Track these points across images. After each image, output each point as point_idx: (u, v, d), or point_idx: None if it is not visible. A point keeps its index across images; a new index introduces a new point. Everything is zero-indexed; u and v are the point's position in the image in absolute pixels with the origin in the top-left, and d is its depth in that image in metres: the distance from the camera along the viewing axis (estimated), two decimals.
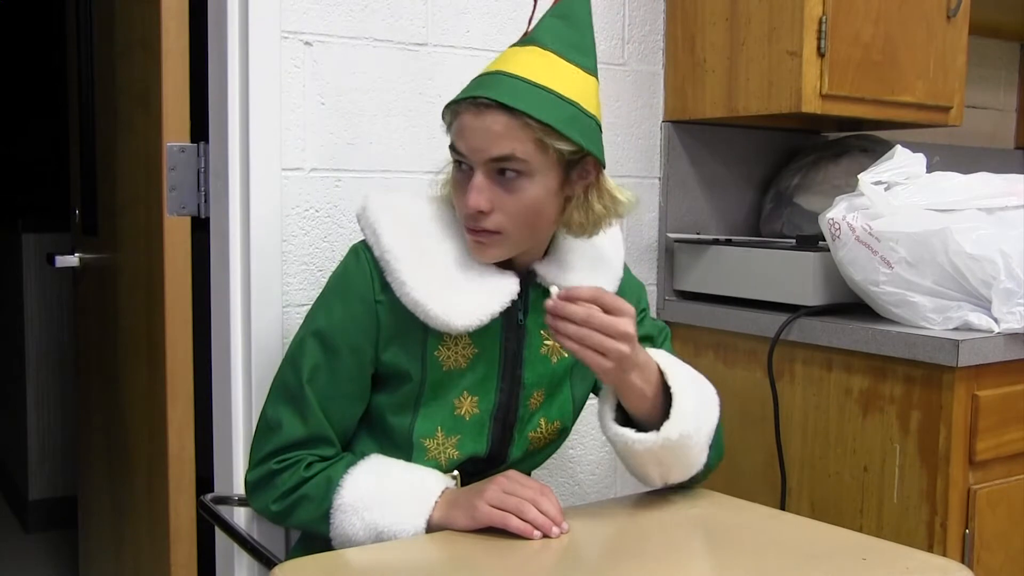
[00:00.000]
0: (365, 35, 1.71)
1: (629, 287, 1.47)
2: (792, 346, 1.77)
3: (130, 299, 2.00)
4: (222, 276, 1.67)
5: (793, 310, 1.77)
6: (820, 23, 1.79)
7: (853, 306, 1.75)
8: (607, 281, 1.40)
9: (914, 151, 1.73)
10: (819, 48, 1.80)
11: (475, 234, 1.28)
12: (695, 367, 1.37)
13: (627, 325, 1.20)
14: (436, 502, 1.25)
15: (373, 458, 1.32)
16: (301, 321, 1.36)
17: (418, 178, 1.77)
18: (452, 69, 1.80)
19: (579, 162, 1.27)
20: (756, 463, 1.85)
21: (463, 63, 1.81)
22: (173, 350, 1.76)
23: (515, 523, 1.20)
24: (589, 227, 1.32)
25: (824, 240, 1.73)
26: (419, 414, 1.33)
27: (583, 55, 1.28)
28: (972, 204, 1.64)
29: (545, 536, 1.19)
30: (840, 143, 2.14)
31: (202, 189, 1.73)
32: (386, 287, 1.29)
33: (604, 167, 1.30)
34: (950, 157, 2.00)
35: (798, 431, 1.77)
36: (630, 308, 1.21)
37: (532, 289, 1.36)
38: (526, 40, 1.29)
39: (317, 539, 1.37)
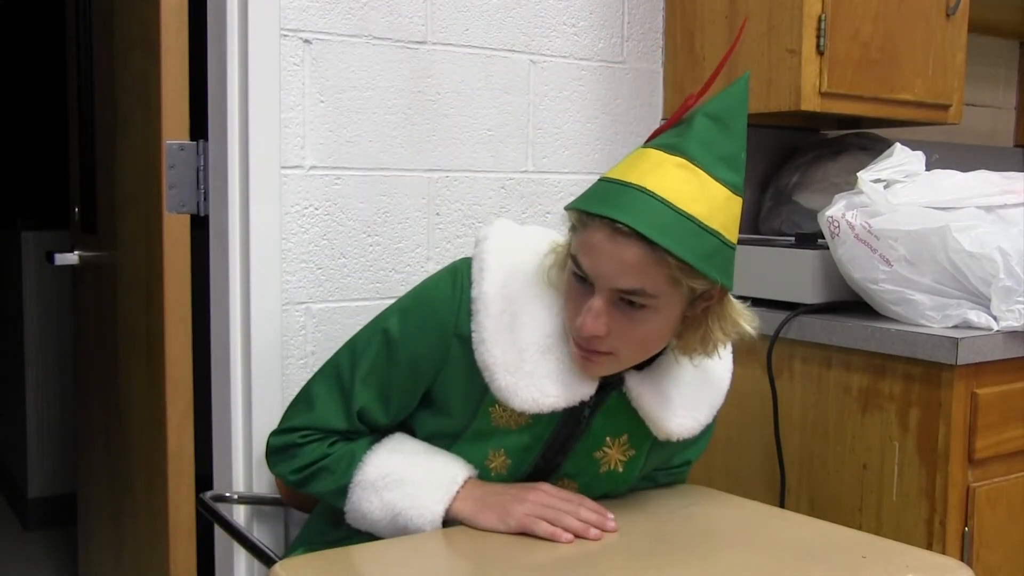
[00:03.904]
0: (364, 33, 1.71)
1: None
2: (791, 344, 1.77)
3: (129, 297, 2.00)
4: (221, 274, 1.67)
5: (792, 308, 1.77)
6: (819, 21, 1.79)
7: (852, 304, 1.75)
8: (705, 414, 1.29)
9: (913, 149, 1.73)
10: (818, 46, 1.80)
11: (585, 352, 1.16)
12: None
13: None
14: (458, 491, 1.22)
15: (397, 436, 1.29)
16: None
17: (417, 176, 1.77)
18: (451, 67, 1.80)
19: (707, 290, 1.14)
20: (755, 461, 1.85)
21: (462, 61, 1.81)
22: (172, 348, 1.76)
23: (544, 528, 1.18)
24: (701, 350, 1.20)
25: (823, 238, 1.73)
26: (452, 448, 1.28)
27: (733, 171, 1.13)
28: (971, 202, 1.64)
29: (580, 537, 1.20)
30: (839, 141, 2.13)
31: (201, 187, 1.73)
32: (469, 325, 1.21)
33: (731, 291, 1.17)
34: (949, 155, 2.00)
35: (797, 429, 1.77)
36: None
37: (614, 392, 1.23)
38: (672, 147, 1.11)
39: (317, 538, 1.37)
